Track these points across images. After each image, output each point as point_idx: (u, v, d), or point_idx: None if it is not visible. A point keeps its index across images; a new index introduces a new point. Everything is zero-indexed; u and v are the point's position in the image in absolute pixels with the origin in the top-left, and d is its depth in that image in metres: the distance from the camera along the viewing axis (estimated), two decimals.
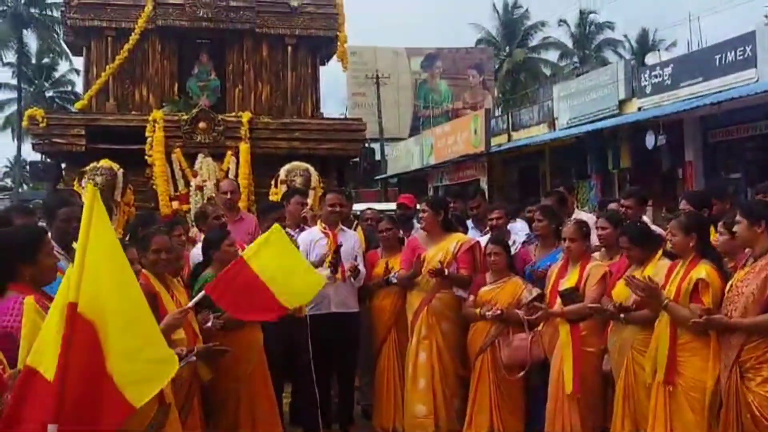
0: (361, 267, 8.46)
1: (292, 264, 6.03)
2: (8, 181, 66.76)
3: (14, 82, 58.51)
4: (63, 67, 60.82)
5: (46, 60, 61.07)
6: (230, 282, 5.74)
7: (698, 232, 6.13)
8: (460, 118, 39.52)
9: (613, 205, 9.14)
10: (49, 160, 12.82)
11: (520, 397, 7.77)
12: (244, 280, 5.70)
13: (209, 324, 6.38)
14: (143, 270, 5.87)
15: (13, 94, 58.55)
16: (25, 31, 57.99)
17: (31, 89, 59.55)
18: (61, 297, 3.83)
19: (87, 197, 3.89)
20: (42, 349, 3.78)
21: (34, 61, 60.80)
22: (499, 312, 7.53)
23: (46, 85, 61.76)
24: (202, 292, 5.93)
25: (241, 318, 6.25)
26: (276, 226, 6.11)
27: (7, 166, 70.80)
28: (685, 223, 6.20)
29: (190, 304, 5.94)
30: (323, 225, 8.61)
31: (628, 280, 6.17)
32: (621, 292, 6.60)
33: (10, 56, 58.51)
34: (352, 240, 8.63)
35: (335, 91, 50.34)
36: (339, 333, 8.27)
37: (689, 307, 5.84)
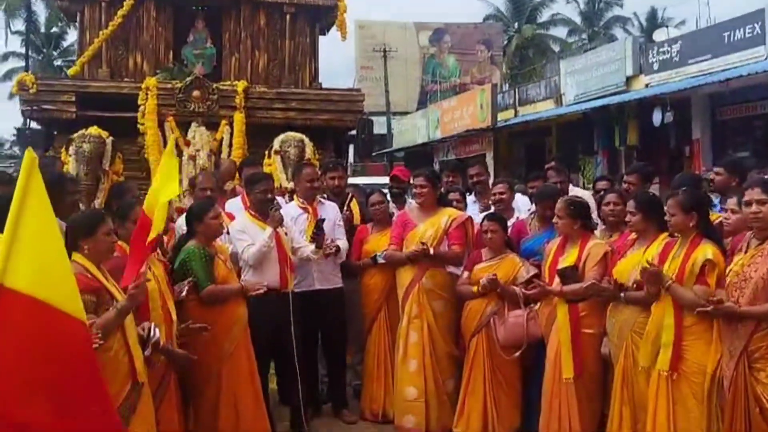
0: (342, 242, 8.17)
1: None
2: (16, 149, 66.77)
3: (23, 50, 58.24)
4: (72, 36, 60.69)
5: (54, 29, 60.86)
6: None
7: (698, 210, 5.84)
8: (467, 92, 39.20)
9: (602, 183, 8.99)
10: (39, 126, 12.63)
11: (516, 379, 7.50)
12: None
13: (183, 294, 6.20)
14: (119, 241, 5.60)
15: (22, 63, 58.31)
16: (33, 0, 57.71)
17: (40, 58, 59.36)
18: None
19: (24, 164, 3.48)
20: None
21: (42, 30, 60.54)
22: (493, 277, 7.23)
23: (54, 54, 61.54)
24: (185, 282, 6.22)
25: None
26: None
27: (15, 135, 70.81)
28: (685, 201, 5.89)
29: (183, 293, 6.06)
30: (300, 200, 8.35)
31: (642, 269, 5.82)
32: (622, 271, 6.33)
33: (19, 24, 58.30)
34: (332, 212, 8.32)
35: (343, 64, 50.38)
36: (324, 310, 8.01)
37: (693, 289, 5.57)
